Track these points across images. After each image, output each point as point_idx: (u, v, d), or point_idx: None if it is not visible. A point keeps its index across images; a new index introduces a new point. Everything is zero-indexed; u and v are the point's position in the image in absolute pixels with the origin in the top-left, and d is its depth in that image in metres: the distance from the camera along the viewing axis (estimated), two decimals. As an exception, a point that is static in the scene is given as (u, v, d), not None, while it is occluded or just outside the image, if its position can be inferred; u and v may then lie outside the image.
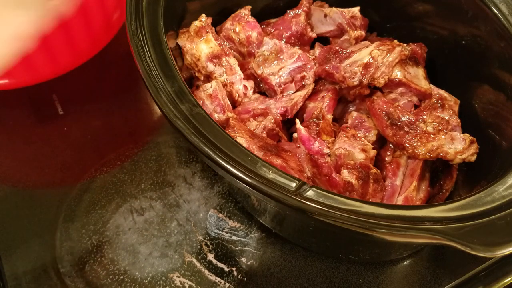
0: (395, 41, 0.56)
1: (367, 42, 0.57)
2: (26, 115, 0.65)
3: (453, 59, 0.58)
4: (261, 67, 0.55)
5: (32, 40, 0.44)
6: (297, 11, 0.60)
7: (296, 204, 0.36)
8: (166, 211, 0.57)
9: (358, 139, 0.50)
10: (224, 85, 0.54)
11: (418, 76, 0.55)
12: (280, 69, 0.55)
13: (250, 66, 0.57)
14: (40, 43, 0.56)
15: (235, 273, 0.53)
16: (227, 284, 0.52)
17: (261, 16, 0.63)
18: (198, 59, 0.53)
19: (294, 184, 0.37)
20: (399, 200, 0.50)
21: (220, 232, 0.56)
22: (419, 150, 0.49)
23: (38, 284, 0.51)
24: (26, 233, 0.54)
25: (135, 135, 0.65)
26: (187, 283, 0.52)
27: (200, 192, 0.59)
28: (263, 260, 0.54)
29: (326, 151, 0.49)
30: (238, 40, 0.59)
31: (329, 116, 0.53)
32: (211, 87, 0.52)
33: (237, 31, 0.58)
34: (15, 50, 0.43)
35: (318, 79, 0.57)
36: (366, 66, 0.52)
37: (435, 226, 0.35)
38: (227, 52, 0.54)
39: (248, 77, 0.57)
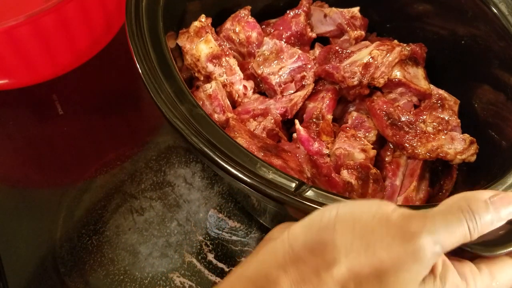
0: (395, 41, 0.56)
1: (367, 42, 0.57)
2: (26, 115, 0.65)
3: (453, 59, 0.58)
4: (261, 67, 0.55)
5: None
6: (297, 11, 0.60)
7: (296, 204, 0.36)
8: (166, 211, 0.57)
9: (358, 139, 0.50)
10: (224, 86, 0.54)
11: (417, 76, 0.55)
12: (280, 68, 0.55)
13: (250, 66, 0.57)
14: (40, 43, 0.57)
15: (235, 273, 0.53)
16: (227, 284, 0.52)
17: (261, 16, 0.62)
18: (198, 60, 0.53)
19: (293, 184, 0.37)
20: (399, 200, 0.50)
21: (220, 232, 0.56)
22: (419, 150, 0.49)
23: (38, 284, 0.51)
24: (26, 233, 0.54)
25: (135, 135, 0.65)
26: (187, 283, 0.52)
27: (200, 192, 0.59)
28: (263, 260, 0.54)
29: (326, 151, 0.49)
30: (238, 40, 0.59)
31: (329, 116, 0.53)
32: (211, 87, 0.52)
33: (237, 31, 0.58)
34: None
35: (318, 79, 0.57)
36: (366, 66, 0.52)
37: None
38: (227, 53, 0.54)
39: (248, 77, 0.57)
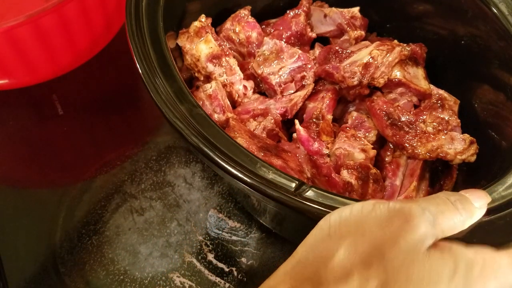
0: (395, 41, 0.56)
1: (367, 42, 0.57)
2: (26, 115, 0.65)
3: (453, 59, 0.58)
4: (261, 67, 0.55)
5: None
6: (297, 11, 0.60)
7: (296, 204, 0.36)
8: (166, 211, 0.57)
9: (358, 139, 0.50)
10: (224, 86, 0.54)
11: (417, 76, 0.55)
12: (280, 68, 0.55)
13: (250, 66, 0.57)
14: (40, 43, 0.57)
15: (235, 273, 0.53)
16: (227, 284, 0.52)
17: (261, 16, 0.62)
18: (198, 60, 0.53)
19: (293, 185, 0.37)
20: (399, 200, 0.49)
21: (220, 232, 0.56)
22: (419, 150, 0.49)
23: (38, 284, 0.51)
24: (26, 233, 0.55)
25: (135, 135, 0.65)
26: (187, 283, 0.52)
27: (200, 192, 0.59)
28: (263, 260, 0.54)
29: (326, 151, 0.49)
30: (238, 40, 0.59)
31: (329, 116, 0.53)
32: (211, 87, 0.52)
33: (237, 31, 0.58)
34: None
35: (318, 79, 0.57)
36: (366, 66, 0.52)
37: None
38: (227, 53, 0.54)
39: (248, 77, 0.57)
